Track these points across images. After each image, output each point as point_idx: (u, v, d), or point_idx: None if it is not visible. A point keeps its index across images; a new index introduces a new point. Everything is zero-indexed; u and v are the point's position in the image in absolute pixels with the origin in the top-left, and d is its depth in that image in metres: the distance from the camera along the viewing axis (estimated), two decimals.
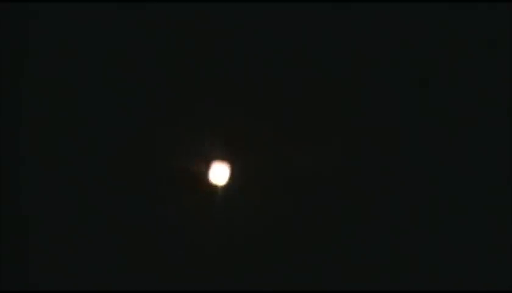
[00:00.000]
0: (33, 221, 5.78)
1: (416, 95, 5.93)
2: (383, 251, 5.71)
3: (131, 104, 5.88)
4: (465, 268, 5.61)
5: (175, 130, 5.74)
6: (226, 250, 5.69)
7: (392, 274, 5.63)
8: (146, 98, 5.88)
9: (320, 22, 5.86)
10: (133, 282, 5.61)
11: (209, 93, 5.82)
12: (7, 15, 5.78)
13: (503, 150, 5.81)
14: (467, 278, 5.56)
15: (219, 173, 5.59)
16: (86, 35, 5.86)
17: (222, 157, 5.62)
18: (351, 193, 5.81)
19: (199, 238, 5.65)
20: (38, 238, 5.73)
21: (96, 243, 5.73)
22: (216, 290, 5.61)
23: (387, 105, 5.92)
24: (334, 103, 5.91)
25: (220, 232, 5.65)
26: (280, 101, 5.87)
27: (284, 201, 5.74)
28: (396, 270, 5.64)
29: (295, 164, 5.71)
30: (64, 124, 5.88)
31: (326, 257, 5.68)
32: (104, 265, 5.68)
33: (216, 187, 5.60)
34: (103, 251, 5.72)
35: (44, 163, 5.86)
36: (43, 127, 5.89)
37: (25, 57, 5.89)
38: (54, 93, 5.88)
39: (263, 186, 5.70)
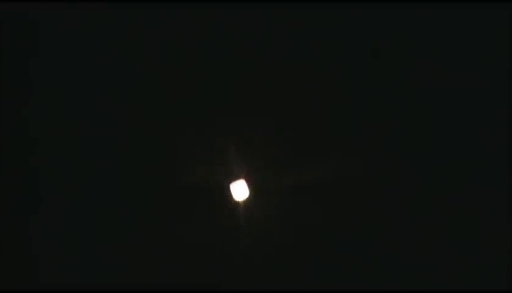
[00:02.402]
0: (61, 238, 5.94)
1: (423, 100, 6.00)
2: (398, 255, 5.89)
3: (154, 122, 5.97)
4: (470, 269, 5.80)
5: (197, 148, 5.89)
6: (250, 262, 5.91)
7: (407, 277, 5.82)
8: (169, 116, 5.97)
9: (334, 37, 5.91)
10: None
11: (229, 111, 5.95)
12: (7, 15, 5.78)
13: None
14: (468, 278, 5.75)
15: (240, 189, 5.78)
16: (108, 53, 5.90)
17: (242, 174, 5.78)
18: (368, 200, 5.95)
19: (223, 252, 5.85)
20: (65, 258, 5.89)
21: (120, 258, 5.90)
22: None
23: (397, 114, 6.01)
24: (347, 115, 6.01)
25: (243, 244, 5.85)
26: (295, 115, 5.98)
27: (304, 211, 5.92)
28: (412, 273, 5.84)
29: (311, 175, 5.87)
30: (87, 141, 5.98)
31: (345, 263, 5.87)
32: (129, 280, 5.84)
33: (237, 202, 5.79)
34: (127, 265, 5.89)
35: (66, 182, 5.99)
36: (63, 145, 6.01)
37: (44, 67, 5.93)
38: (76, 114, 5.97)
39: (282, 199, 5.88)
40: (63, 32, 5.85)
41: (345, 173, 5.90)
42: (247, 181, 5.80)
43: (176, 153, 5.94)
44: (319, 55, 5.93)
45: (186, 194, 5.90)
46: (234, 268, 5.86)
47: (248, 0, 5.72)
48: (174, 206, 5.91)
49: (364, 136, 6.02)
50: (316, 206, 5.91)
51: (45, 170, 5.97)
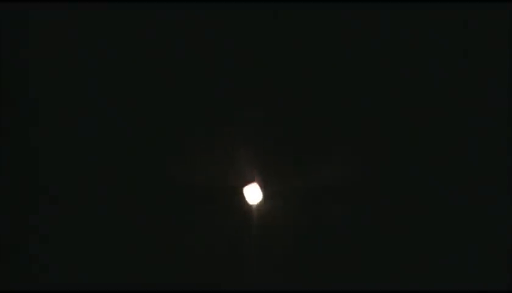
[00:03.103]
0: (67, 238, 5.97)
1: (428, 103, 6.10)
2: (411, 256, 5.97)
3: (167, 129, 6.03)
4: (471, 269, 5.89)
5: (211, 153, 5.95)
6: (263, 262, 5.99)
7: (418, 277, 5.90)
8: (183, 122, 6.04)
9: (344, 45, 6.01)
10: None
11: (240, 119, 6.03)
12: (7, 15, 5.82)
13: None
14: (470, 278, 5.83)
15: (253, 193, 5.86)
16: (120, 60, 5.96)
17: (255, 178, 5.87)
18: (376, 202, 6.01)
19: (237, 254, 5.94)
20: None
21: (134, 260, 5.94)
22: None
23: (406, 115, 6.10)
24: (357, 117, 6.09)
25: (257, 246, 5.92)
26: (306, 118, 6.07)
27: (314, 213, 6.00)
28: (420, 273, 5.92)
29: (322, 178, 5.95)
30: (98, 146, 6.03)
31: (356, 264, 5.95)
32: (143, 281, 5.89)
33: (250, 206, 5.88)
34: (140, 268, 5.93)
35: (74, 184, 6.04)
36: (72, 152, 6.04)
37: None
38: (88, 121, 6.01)
39: (293, 202, 5.96)
40: (63, 31, 5.91)
41: (357, 175, 5.97)
42: (260, 185, 5.89)
43: (188, 156, 6.00)
44: (329, 60, 6.02)
45: (198, 197, 5.96)
46: (246, 270, 5.94)
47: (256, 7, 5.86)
48: (185, 208, 5.97)
49: (374, 138, 6.09)
50: (330, 207, 6.00)
51: (46, 173, 6.01)
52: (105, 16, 5.85)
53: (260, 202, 5.88)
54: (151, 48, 5.93)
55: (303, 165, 5.99)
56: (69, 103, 5.98)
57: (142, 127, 6.02)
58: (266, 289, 5.84)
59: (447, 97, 6.05)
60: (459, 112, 6.05)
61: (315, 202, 5.96)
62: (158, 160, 6.01)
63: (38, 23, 5.86)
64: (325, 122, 6.07)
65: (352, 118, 6.09)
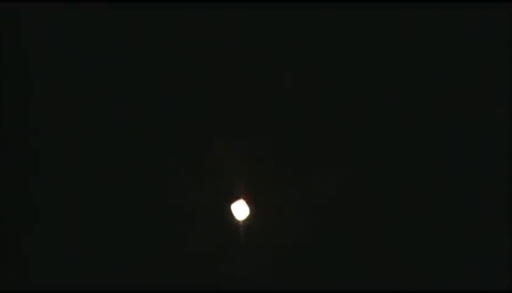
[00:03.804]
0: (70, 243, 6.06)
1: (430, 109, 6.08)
2: (402, 265, 5.95)
3: (158, 145, 6.06)
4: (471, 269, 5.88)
5: (200, 171, 5.97)
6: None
7: (410, 279, 5.88)
8: (173, 138, 6.06)
9: (341, 55, 5.99)
10: None
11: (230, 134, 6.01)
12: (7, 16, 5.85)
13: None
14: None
15: (240, 209, 5.88)
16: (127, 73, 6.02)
17: (242, 194, 5.88)
18: (368, 215, 6.01)
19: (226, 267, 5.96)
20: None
21: (129, 276, 5.98)
22: None
23: (397, 128, 6.07)
24: (346, 133, 6.07)
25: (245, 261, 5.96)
26: (293, 133, 6.06)
27: (302, 228, 5.97)
28: (414, 274, 5.91)
29: (310, 192, 5.95)
30: (92, 161, 6.08)
31: (346, 278, 5.92)
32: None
33: (238, 221, 5.90)
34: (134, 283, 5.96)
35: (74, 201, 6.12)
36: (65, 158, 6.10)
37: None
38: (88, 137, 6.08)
39: (281, 217, 5.97)
40: (63, 31, 5.96)
41: (345, 189, 5.96)
42: (247, 201, 5.90)
43: (174, 173, 6.04)
44: (321, 73, 6.00)
45: (184, 214, 5.99)
46: (236, 284, 5.96)
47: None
48: (173, 225, 6.01)
49: (363, 152, 6.08)
50: (316, 221, 5.98)
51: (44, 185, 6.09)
52: (105, 16, 5.89)
53: (247, 217, 5.90)
54: (143, 60, 5.98)
55: (292, 180, 6.00)
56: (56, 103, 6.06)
57: (135, 145, 6.08)
58: None
59: (448, 102, 6.03)
60: (459, 114, 6.02)
61: (303, 215, 5.97)
62: (144, 178, 6.06)
63: (38, 23, 5.91)
64: (314, 135, 6.06)
65: (344, 134, 6.09)
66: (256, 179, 5.90)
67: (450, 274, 5.91)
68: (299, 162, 6.01)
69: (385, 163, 6.07)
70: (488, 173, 5.99)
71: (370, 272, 5.93)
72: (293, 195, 5.92)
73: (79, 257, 6.00)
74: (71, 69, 6.01)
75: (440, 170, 6.07)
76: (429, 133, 6.08)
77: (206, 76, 5.99)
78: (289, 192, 5.94)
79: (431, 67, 6.02)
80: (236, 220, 5.87)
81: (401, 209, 6.02)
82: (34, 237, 6.00)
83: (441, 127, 6.07)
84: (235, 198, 5.84)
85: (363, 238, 6.02)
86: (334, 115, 6.04)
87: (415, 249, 6.01)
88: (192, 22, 5.90)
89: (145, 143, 6.06)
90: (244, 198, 5.83)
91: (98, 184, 6.05)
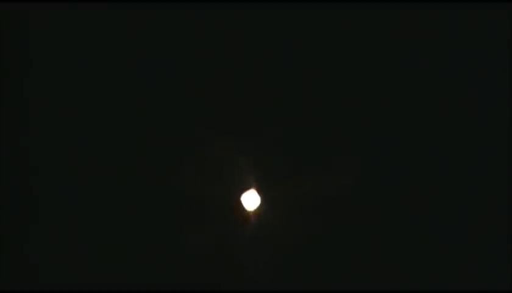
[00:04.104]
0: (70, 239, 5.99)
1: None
2: (406, 262, 5.96)
3: (166, 137, 6.05)
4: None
5: (210, 160, 5.96)
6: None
7: (410, 278, 5.88)
8: (181, 130, 6.05)
9: (343, 56, 6.04)
10: None
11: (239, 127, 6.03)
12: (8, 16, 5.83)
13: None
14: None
15: (251, 199, 5.85)
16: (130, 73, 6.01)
17: (253, 185, 5.87)
18: (371, 211, 6.02)
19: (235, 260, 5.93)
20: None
21: (136, 270, 5.94)
22: None
23: (406, 123, 6.12)
24: (358, 124, 6.10)
25: (255, 252, 5.92)
26: (305, 124, 6.08)
27: (311, 221, 5.99)
28: (414, 274, 5.91)
29: (317, 187, 5.95)
30: (99, 156, 6.06)
31: (355, 270, 5.93)
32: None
33: (248, 212, 5.86)
34: (142, 276, 5.94)
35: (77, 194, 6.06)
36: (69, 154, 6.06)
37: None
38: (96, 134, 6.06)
39: (290, 209, 5.96)
40: (63, 31, 5.93)
41: (356, 182, 5.99)
42: (258, 191, 5.88)
43: (186, 164, 6.01)
44: (330, 66, 6.04)
45: (195, 204, 5.96)
46: (245, 276, 5.93)
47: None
48: (184, 216, 5.97)
49: (375, 144, 6.10)
50: (327, 214, 5.99)
51: (44, 186, 6.03)
52: (105, 16, 5.88)
53: (258, 208, 5.86)
54: (144, 57, 5.98)
55: (303, 172, 5.98)
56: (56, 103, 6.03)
57: (141, 137, 6.05)
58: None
59: (448, 102, 6.06)
60: (458, 114, 6.06)
61: (314, 208, 5.97)
62: (155, 168, 6.02)
63: (38, 23, 5.89)
64: (324, 128, 6.09)
65: (353, 124, 6.12)
66: (268, 169, 5.89)
67: (450, 274, 5.91)
68: (306, 158, 6.05)
69: (388, 162, 6.12)
70: (488, 173, 6.03)
71: (370, 272, 5.95)
72: (298, 193, 5.92)
73: (80, 257, 5.93)
74: (71, 69, 5.99)
75: (440, 170, 6.10)
76: (429, 133, 6.12)
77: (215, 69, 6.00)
78: (296, 190, 5.94)
79: (431, 67, 6.06)
80: (246, 210, 5.82)
81: (401, 209, 6.04)
82: (34, 237, 5.92)
83: (441, 127, 6.11)
84: (246, 188, 5.80)
85: (363, 238, 6.04)
86: (333, 115, 6.12)
87: (416, 249, 6.01)
88: (192, 22, 5.94)
89: (147, 140, 6.07)
90: (256, 188, 5.81)
91: (99, 182, 6.02)
